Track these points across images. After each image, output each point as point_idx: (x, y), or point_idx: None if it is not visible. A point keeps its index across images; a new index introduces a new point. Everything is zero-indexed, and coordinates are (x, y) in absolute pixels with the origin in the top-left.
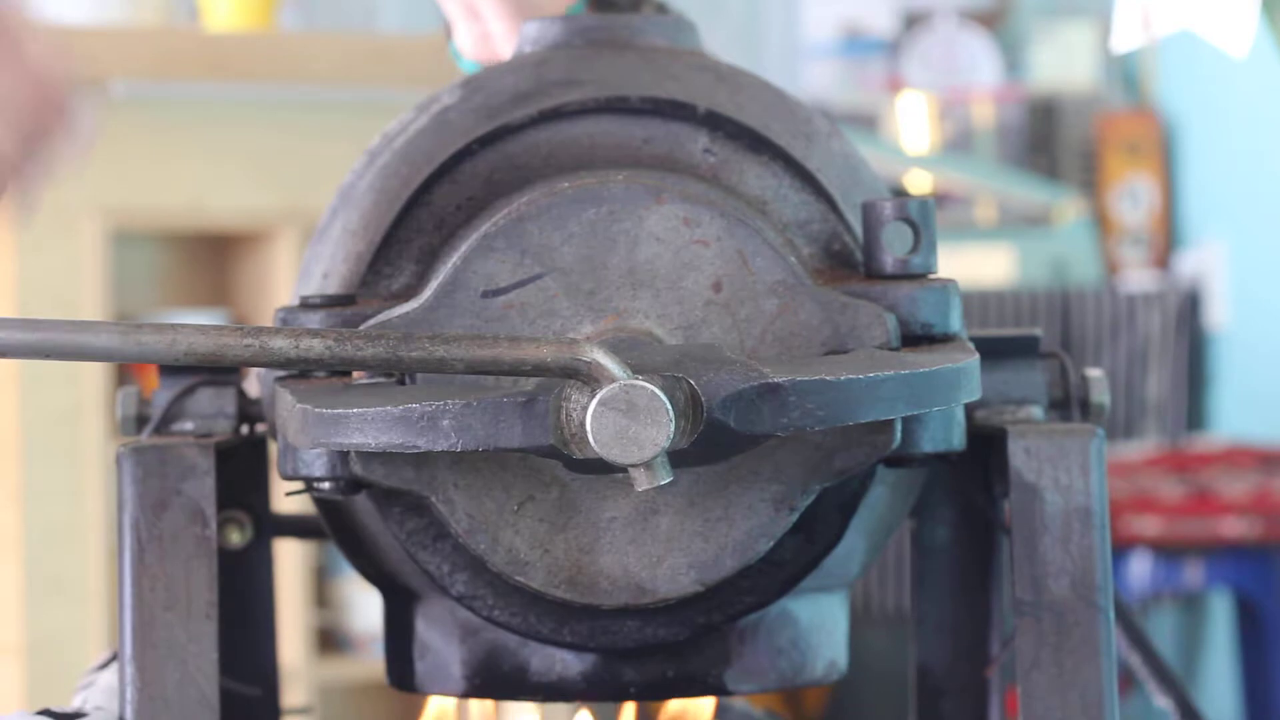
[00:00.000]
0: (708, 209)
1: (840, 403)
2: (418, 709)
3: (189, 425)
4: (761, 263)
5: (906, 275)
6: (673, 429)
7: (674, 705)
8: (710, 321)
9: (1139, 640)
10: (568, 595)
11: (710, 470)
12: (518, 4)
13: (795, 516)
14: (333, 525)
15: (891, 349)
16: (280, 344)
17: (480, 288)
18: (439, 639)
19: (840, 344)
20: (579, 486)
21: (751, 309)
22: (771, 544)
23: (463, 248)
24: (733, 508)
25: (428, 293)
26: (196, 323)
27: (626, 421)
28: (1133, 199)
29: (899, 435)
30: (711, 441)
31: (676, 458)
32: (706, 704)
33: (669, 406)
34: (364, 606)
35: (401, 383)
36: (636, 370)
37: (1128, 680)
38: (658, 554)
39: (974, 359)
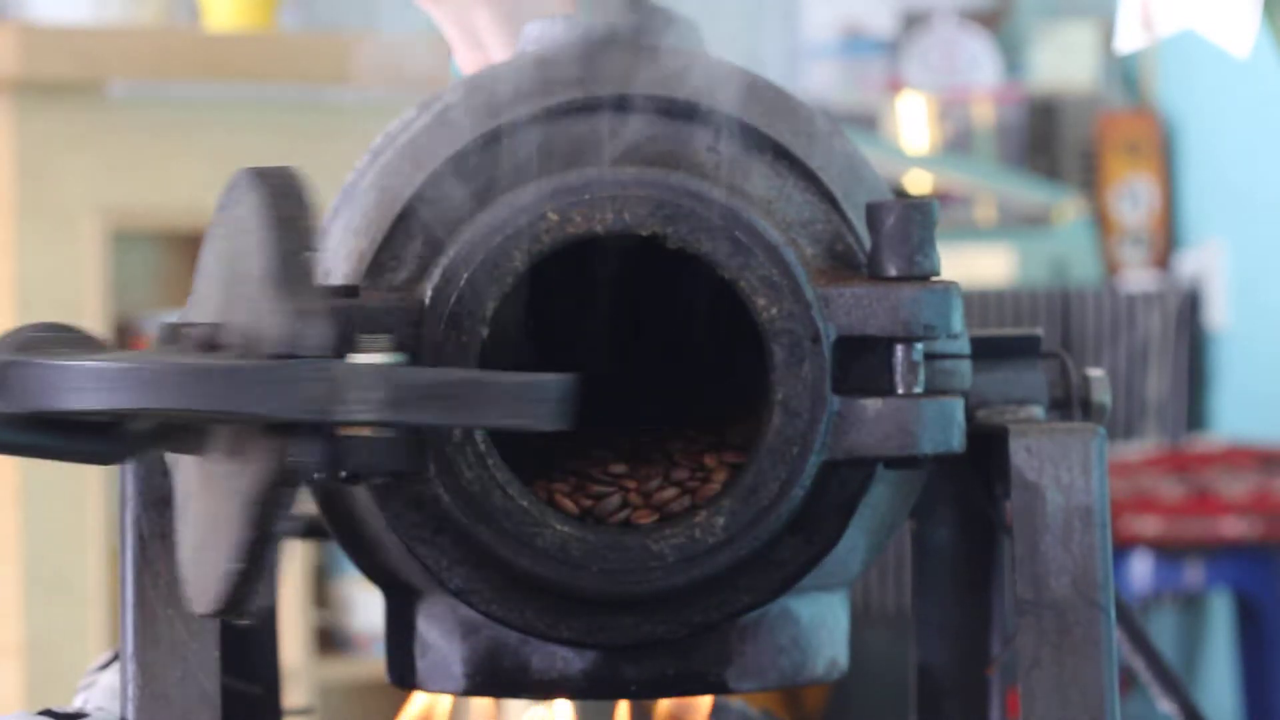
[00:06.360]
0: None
1: None
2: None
3: None
4: None
5: (909, 277)
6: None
7: (666, 704)
8: None
9: (1140, 642)
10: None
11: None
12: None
13: None
14: (333, 522)
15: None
16: None
17: None
18: (440, 637)
19: None
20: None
21: None
22: None
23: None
24: None
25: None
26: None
27: None
28: (1133, 199)
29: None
30: None
31: None
32: (704, 702)
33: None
34: (364, 606)
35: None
36: None
37: (1128, 680)
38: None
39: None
